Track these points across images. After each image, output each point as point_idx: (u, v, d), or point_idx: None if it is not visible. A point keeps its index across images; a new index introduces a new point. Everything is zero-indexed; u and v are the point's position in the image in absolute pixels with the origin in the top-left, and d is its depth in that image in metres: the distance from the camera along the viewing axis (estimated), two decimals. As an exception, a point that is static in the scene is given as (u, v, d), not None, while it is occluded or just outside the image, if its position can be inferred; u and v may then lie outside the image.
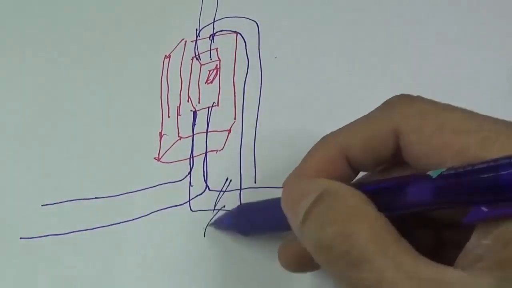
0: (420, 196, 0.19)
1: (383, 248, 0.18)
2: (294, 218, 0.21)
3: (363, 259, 0.18)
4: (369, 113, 0.22)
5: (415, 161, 0.21)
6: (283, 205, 0.22)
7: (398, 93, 0.22)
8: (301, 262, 0.24)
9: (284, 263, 0.25)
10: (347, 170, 0.23)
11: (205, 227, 0.29)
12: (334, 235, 0.19)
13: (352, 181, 0.23)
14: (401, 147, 0.21)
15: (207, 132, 0.32)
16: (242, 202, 0.30)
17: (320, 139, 0.23)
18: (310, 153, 0.24)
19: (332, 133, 0.23)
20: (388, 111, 0.22)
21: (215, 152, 0.31)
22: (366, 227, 0.19)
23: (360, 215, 0.19)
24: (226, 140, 0.31)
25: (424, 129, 0.20)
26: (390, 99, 0.22)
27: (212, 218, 0.29)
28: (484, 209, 0.17)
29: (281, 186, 0.29)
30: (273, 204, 0.24)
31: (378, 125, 0.22)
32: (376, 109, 0.22)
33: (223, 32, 0.34)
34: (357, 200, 0.20)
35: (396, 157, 0.22)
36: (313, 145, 0.30)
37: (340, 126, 0.31)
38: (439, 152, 0.20)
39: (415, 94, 0.21)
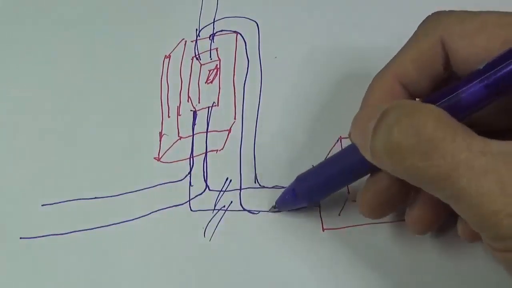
0: (474, 92, 0.20)
1: (451, 134, 0.19)
2: (363, 141, 0.22)
3: (433, 147, 0.19)
4: (411, 37, 0.24)
5: (465, 67, 0.22)
6: (352, 137, 0.24)
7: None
8: (380, 202, 0.24)
9: (365, 208, 0.25)
10: (407, 97, 0.24)
11: (205, 227, 0.29)
12: (401, 131, 0.20)
13: None
14: (450, 56, 0.22)
15: (207, 132, 0.32)
16: (242, 202, 0.30)
17: (375, 76, 0.25)
18: (369, 91, 0.25)
19: (384, 67, 0.24)
20: (429, 25, 0.23)
21: (215, 152, 0.31)
22: (431, 118, 0.19)
23: (424, 110, 0.20)
24: (226, 140, 0.31)
25: (467, 30, 0.22)
26: (426, 17, 0.23)
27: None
28: None
29: (281, 186, 0.30)
30: (330, 162, 0.26)
31: (424, 42, 0.23)
32: (417, 30, 0.24)
33: (223, 32, 0.34)
34: (419, 103, 0.21)
35: (449, 73, 0.23)
36: (313, 145, 0.31)
37: (340, 126, 0.31)
38: (486, 48, 0.21)
39: None
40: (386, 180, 0.24)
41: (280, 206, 0.29)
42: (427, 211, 0.25)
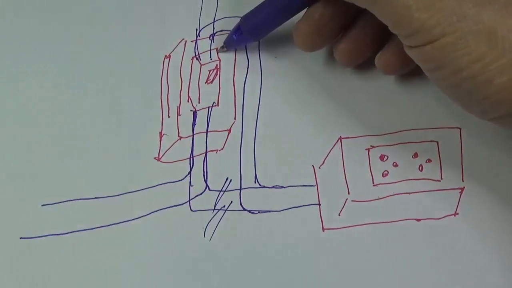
0: None
1: None
2: None
3: None
4: None
5: None
6: None
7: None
8: (313, 31, 0.28)
9: (300, 38, 0.29)
10: None
11: (205, 227, 0.29)
12: None
13: None
14: None
15: (207, 132, 0.32)
16: (242, 202, 0.30)
17: None
18: None
19: None
20: None
21: (215, 152, 0.31)
22: None
23: None
24: (226, 140, 0.31)
25: None
26: None
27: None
28: None
29: (281, 185, 0.30)
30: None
31: None
32: None
33: (223, 32, 0.34)
34: None
35: None
36: (313, 145, 0.31)
37: (340, 126, 0.31)
38: None
39: None
40: (320, 9, 0.28)
41: (229, 45, 0.33)
42: (352, 44, 0.29)
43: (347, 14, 0.28)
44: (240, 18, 0.31)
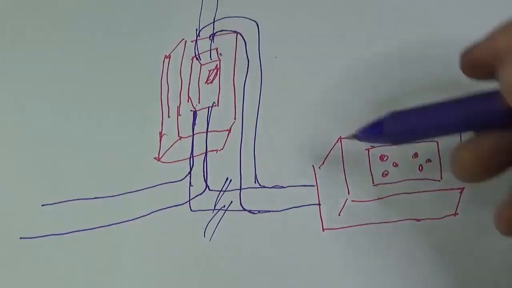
0: None
1: None
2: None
3: None
4: None
5: None
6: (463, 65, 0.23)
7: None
8: (484, 164, 0.23)
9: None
10: None
11: (205, 227, 0.29)
12: None
13: None
14: None
15: (207, 132, 0.32)
16: (242, 202, 0.30)
17: None
18: None
19: None
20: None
21: (215, 152, 0.31)
22: None
23: None
24: (226, 140, 0.31)
25: None
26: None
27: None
28: None
29: (281, 185, 0.30)
30: (436, 105, 0.23)
31: None
32: None
33: (223, 32, 0.34)
34: None
35: None
36: (313, 145, 0.31)
37: (340, 126, 0.31)
38: None
39: None
40: (492, 140, 0.22)
41: (360, 136, 0.26)
42: None
43: None
44: (239, 16, 0.31)
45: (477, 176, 0.23)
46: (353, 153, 0.30)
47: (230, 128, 0.32)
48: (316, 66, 0.32)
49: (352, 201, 0.29)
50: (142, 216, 0.30)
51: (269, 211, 0.29)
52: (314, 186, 0.29)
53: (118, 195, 0.30)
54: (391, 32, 0.33)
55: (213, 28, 0.34)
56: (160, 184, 0.30)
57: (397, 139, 0.25)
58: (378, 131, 0.25)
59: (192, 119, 0.32)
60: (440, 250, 0.27)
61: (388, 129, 0.24)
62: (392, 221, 0.28)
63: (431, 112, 0.23)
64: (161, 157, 0.31)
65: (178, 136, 0.32)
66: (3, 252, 0.30)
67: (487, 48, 0.21)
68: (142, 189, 0.30)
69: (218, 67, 0.33)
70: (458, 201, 0.28)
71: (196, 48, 0.34)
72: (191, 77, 0.33)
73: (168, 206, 0.30)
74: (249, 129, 0.31)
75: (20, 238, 0.30)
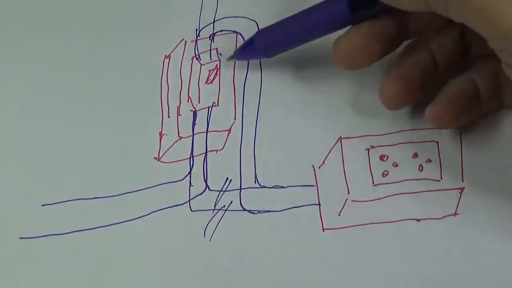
0: None
1: None
2: None
3: None
4: None
5: None
6: None
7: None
8: (358, 53, 0.27)
9: (340, 56, 0.27)
10: None
11: (205, 227, 0.29)
12: None
13: None
14: None
15: (207, 132, 0.32)
16: (242, 202, 0.30)
17: None
18: None
19: None
20: None
21: (215, 152, 0.31)
22: None
23: None
24: (226, 140, 0.31)
25: None
26: None
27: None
28: None
29: (281, 185, 0.30)
30: (297, 17, 0.28)
31: None
32: None
33: (223, 32, 0.34)
34: None
35: None
36: (313, 145, 0.31)
37: (340, 126, 0.31)
38: None
39: None
40: (364, 29, 0.26)
41: (238, 56, 0.31)
42: (402, 85, 0.26)
43: (396, 38, 0.27)
44: (239, 16, 0.31)
45: (357, 64, 0.27)
46: (353, 153, 0.30)
47: (230, 128, 0.32)
48: (316, 66, 0.32)
49: (352, 201, 0.29)
50: (142, 216, 0.30)
51: (269, 211, 0.29)
52: (314, 186, 0.29)
53: (118, 195, 0.30)
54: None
55: (213, 28, 0.34)
56: (160, 184, 0.30)
57: (267, 52, 0.30)
58: (250, 48, 0.30)
59: (192, 119, 0.32)
60: (440, 250, 0.27)
61: (258, 45, 0.29)
62: (392, 221, 0.28)
63: (290, 22, 0.28)
64: (161, 157, 0.31)
65: (178, 136, 0.32)
66: (3, 252, 0.30)
67: None
68: (142, 189, 0.30)
69: (218, 67, 0.33)
70: (458, 201, 0.28)
71: (196, 48, 0.34)
72: (191, 77, 0.33)
73: (168, 206, 0.30)
74: (249, 129, 0.31)
75: (20, 238, 0.30)
